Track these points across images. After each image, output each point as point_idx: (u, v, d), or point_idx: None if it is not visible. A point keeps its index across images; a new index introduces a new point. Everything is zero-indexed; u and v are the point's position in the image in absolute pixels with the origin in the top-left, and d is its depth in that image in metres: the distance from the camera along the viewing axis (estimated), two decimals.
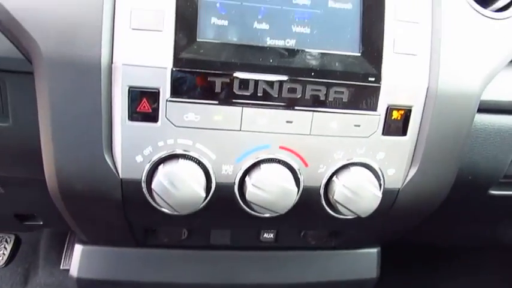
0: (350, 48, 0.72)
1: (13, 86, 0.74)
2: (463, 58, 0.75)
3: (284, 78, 0.70)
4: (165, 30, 0.66)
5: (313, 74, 0.71)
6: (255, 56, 0.69)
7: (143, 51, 0.66)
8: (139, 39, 0.65)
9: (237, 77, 0.69)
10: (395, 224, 0.95)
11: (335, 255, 1.09)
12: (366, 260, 1.12)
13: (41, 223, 1.17)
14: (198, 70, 0.67)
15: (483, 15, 0.77)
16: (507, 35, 0.79)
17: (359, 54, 0.72)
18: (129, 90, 0.67)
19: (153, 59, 0.66)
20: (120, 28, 0.65)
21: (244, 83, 0.69)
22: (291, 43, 0.71)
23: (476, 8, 0.77)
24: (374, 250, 1.11)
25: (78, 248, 0.99)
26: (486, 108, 0.85)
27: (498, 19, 0.78)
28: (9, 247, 1.62)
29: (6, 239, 1.64)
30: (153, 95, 0.67)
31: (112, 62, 0.66)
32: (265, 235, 1.00)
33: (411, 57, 0.73)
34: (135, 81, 0.66)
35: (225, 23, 0.69)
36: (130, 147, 0.70)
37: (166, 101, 0.68)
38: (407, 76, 0.73)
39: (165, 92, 0.67)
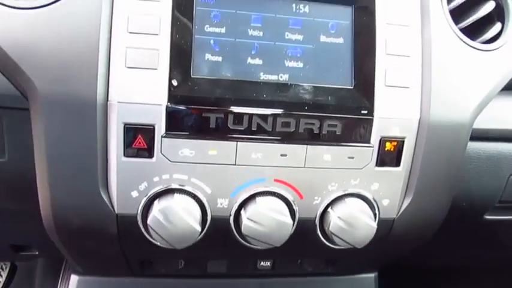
0: (342, 81, 0.74)
1: (9, 122, 0.75)
2: (454, 89, 0.77)
3: (278, 112, 0.71)
4: (160, 68, 0.67)
5: (306, 108, 0.72)
6: (249, 91, 0.70)
7: (138, 89, 0.67)
8: (134, 77, 0.66)
9: (231, 112, 0.69)
10: (391, 251, 0.95)
11: (332, 281, 1.08)
12: (364, 285, 1.11)
13: (37, 253, 1.17)
14: (192, 106, 0.68)
15: (472, 47, 0.79)
16: (496, 66, 0.80)
17: (351, 88, 0.73)
18: (124, 127, 0.67)
19: (148, 97, 0.67)
20: (115, 67, 0.66)
21: (238, 118, 0.70)
22: (284, 78, 0.72)
23: (465, 40, 0.79)
24: (371, 275, 1.11)
25: (74, 279, 0.99)
26: (478, 136, 0.87)
27: (487, 50, 0.80)
28: (4, 274, 1.60)
29: (1, 266, 1.63)
30: (148, 131, 0.68)
31: (108, 100, 0.67)
32: (262, 263, 0.99)
33: (403, 90, 0.74)
34: (130, 118, 0.67)
35: (219, 59, 0.70)
36: (125, 182, 0.70)
37: (162, 137, 0.68)
38: (399, 108, 0.74)
39: (160, 128, 0.68)
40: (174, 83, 0.68)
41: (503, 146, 0.90)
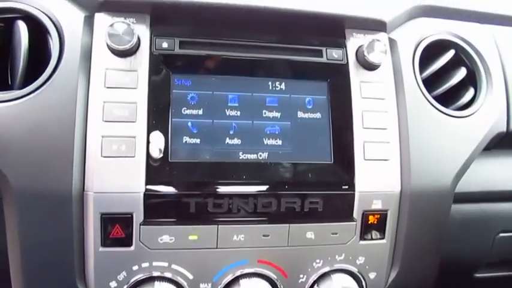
0: (322, 157, 0.73)
1: None
2: (433, 159, 0.77)
3: (258, 192, 0.70)
4: (137, 155, 0.66)
5: (287, 186, 0.71)
6: (229, 172, 0.70)
7: (115, 178, 0.65)
8: (110, 166, 0.65)
9: (211, 196, 0.68)
10: None
11: None
12: None
13: None
14: (171, 192, 0.67)
15: (447, 114, 0.80)
16: (473, 131, 0.81)
17: (331, 163, 0.73)
18: (101, 217, 0.66)
19: (125, 185, 0.66)
20: (91, 156, 0.65)
21: (218, 201, 0.69)
22: (263, 156, 0.72)
23: (439, 108, 0.80)
24: None
25: None
26: (461, 198, 0.86)
27: (462, 117, 0.81)
28: None
29: None
30: (126, 220, 0.66)
31: (84, 190, 0.65)
32: None
33: (382, 163, 0.75)
34: (107, 207, 0.66)
35: (197, 141, 0.70)
36: (103, 273, 0.68)
37: (140, 224, 0.67)
38: (380, 181, 0.74)
39: (139, 216, 0.66)
40: (152, 169, 0.67)
41: (487, 207, 0.91)
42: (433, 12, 0.87)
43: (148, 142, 0.67)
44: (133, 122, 0.67)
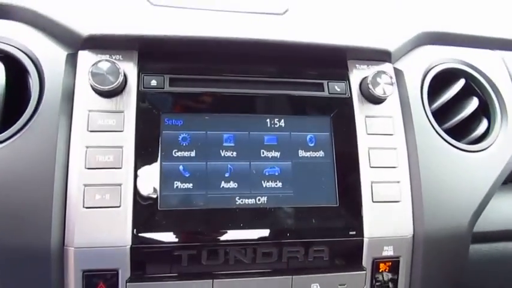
0: (326, 200, 0.67)
1: None
2: (447, 199, 0.71)
3: (257, 242, 0.64)
4: (123, 204, 0.60)
5: (288, 234, 0.65)
6: (224, 220, 0.64)
7: (98, 231, 0.59)
8: (93, 217, 0.59)
9: (205, 247, 0.62)
10: None
11: None
12: None
13: None
14: (161, 245, 0.61)
15: (460, 149, 0.74)
16: (488, 166, 0.75)
17: (336, 206, 0.67)
18: (83, 274, 0.59)
19: (109, 239, 0.59)
20: (72, 208, 0.59)
21: (213, 253, 0.62)
22: (262, 200, 0.66)
23: (451, 142, 0.74)
24: None
25: None
26: (480, 238, 0.80)
27: (476, 151, 0.75)
28: None
29: None
30: (111, 277, 0.60)
31: (64, 245, 0.59)
32: None
33: (392, 205, 0.68)
34: (89, 264, 0.59)
35: (190, 186, 0.64)
36: None
37: (126, 282, 0.60)
38: (390, 225, 0.68)
39: (125, 273, 0.60)
40: (139, 219, 0.61)
41: (506, 246, 0.84)
42: (439, 39, 0.82)
43: (135, 190, 0.61)
44: (119, 168, 0.61)
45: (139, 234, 0.60)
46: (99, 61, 0.61)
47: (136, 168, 0.62)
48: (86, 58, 0.65)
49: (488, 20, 0.90)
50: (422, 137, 0.72)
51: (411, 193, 0.70)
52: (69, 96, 0.63)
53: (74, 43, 0.65)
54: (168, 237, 0.61)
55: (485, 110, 0.80)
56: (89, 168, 0.60)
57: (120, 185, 0.61)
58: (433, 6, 0.92)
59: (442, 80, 0.79)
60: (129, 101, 0.64)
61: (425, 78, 0.77)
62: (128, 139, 0.62)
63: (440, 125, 0.75)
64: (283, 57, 0.72)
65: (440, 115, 0.76)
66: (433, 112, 0.75)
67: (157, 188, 0.62)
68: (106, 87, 0.61)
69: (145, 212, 0.61)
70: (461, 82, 0.79)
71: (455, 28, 0.84)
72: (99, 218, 0.59)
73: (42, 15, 0.65)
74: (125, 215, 0.60)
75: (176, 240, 0.62)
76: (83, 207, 0.59)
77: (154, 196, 0.62)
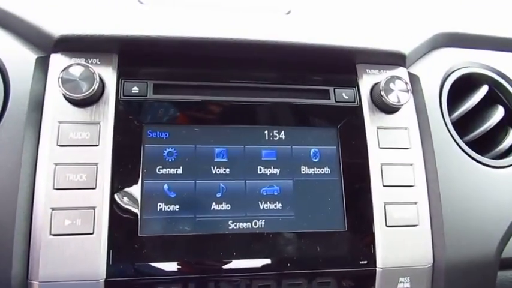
0: (333, 224, 0.59)
1: None
2: (472, 221, 0.62)
3: (253, 274, 0.55)
4: (97, 231, 0.52)
5: (289, 264, 0.56)
6: (215, 248, 0.55)
7: (67, 263, 0.51)
8: (61, 246, 0.51)
9: (193, 280, 0.54)
10: None
11: None
12: None
13: None
14: (141, 277, 0.53)
15: (485, 164, 0.65)
16: None
17: (344, 231, 0.59)
18: None
19: (80, 272, 0.51)
20: (37, 235, 0.51)
21: (202, 286, 0.54)
22: (259, 225, 0.57)
23: (475, 157, 0.65)
24: None
25: None
26: (509, 264, 0.70)
27: (504, 166, 0.66)
28: None
29: None
30: None
31: (27, 279, 0.51)
32: None
33: (408, 230, 0.60)
34: None
35: (175, 208, 0.56)
36: None
37: None
38: (406, 253, 0.59)
39: None
40: (116, 248, 0.53)
41: None
42: (459, 40, 0.74)
43: (111, 213, 0.53)
44: (93, 188, 0.53)
45: (116, 266, 0.52)
46: (70, 65, 0.53)
47: (113, 189, 0.54)
48: (59, 62, 0.57)
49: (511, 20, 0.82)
50: (442, 151, 0.63)
51: (430, 216, 0.61)
52: (37, 105, 0.55)
53: (45, 45, 0.57)
54: (149, 268, 0.53)
55: (511, 120, 0.72)
56: (57, 189, 0.52)
57: (93, 208, 0.53)
58: (450, 6, 0.84)
59: (462, 86, 0.71)
60: (107, 110, 0.56)
61: (445, 85, 0.68)
62: (104, 155, 0.54)
63: (461, 137, 0.67)
64: (284, 61, 0.64)
65: (462, 126, 0.68)
66: (453, 122, 0.67)
67: (138, 211, 0.54)
68: (78, 95, 0.53)
69: (123, 239, 0.53)
70: (484, 89, 0.70)
71: (476, 29, 0.75)
72: (69, 246, 0.51)
73: (8, 13, 0.57)
74: (98, 243, 0.52)
75: (159, 272, 0.53)
76: (50, 234, 0.51)
77: (134, 220, 0.54)
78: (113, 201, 0.53)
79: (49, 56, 0.58)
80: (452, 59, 0.72)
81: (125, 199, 0.54)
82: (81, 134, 0.54)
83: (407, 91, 0.62)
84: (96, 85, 0.53)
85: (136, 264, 0.53)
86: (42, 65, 0.57)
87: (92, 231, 0.52)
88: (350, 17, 0.74)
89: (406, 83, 0.62)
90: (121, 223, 0.53)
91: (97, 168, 0.54)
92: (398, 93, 0.62)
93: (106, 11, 0.62)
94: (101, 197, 0.53)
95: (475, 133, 0.67)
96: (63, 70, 0.53)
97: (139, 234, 0.54)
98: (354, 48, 0.64)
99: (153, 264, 0.53)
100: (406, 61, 0.67)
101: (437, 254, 0.60)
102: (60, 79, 0.53)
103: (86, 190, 0.53)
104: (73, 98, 0.54)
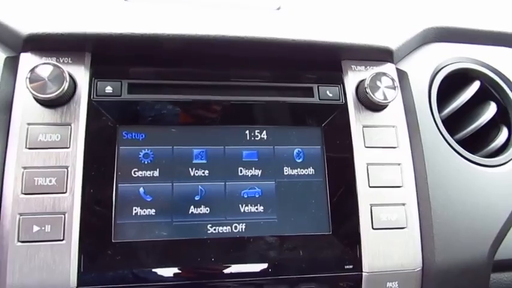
0: (317, 227, 0.56)
1: None
2: (463, 223, 0.59)
3: (233, 280, 0.53)
4: (67, 237, 0.50)
5: (271, 270, 0.54)
6: (193, 254, 0.53)
7: (35, 271, 0.48)
8: (29, 254, 0.49)
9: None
10: None
11: None
12: None
13: None
14: (114, 286, 0.50)
15: (477, 163, 0.63)
16: (509, 184, 0.64)
17: (329, 234, 0.56)
18: None
19: (50, 280, 0.48)
20: (3, 242, 0.49)
21: None
22: (239, 229, 0.55)
23: (467, 156, 0.63)
24: None
25: None
26: (502, 266, 0.68)
27: (496, 165, 0.64)
28: None
29: None
30: None
31: None
32: None
33: (396, 232, 0.57)
34: None
35: (152, 212, 0.54)
36: None
37: None
38: (394, 257, 0.56)
39: None
40: (88, 255, 0.50)
41: None
42: (449, 35, 0.71)
43: (83, 219, 0.51)
44: (63, 193, 0.51)
45: (88, 274, 0.50)
46: (38, 65, 0.51)
47: (84, 193, 0.51)
48: (28, 62, 0.54)
49: (504, 13, 0.79)
50: (431, 150, 0.61)
51: (419, 218, 0.59)
52: (6, 107, 0.53)
53: (14, 44, 0.55)
54: (123, 276, 0.51)
55: (504, 117, 0.69)
56: (26, 194, 0.50)
57: (64, 213, 0.50)
58: (440, 0, 0.81)
59: (453, 82, 0.68)
60: (78, 111, 0.53)
61: (434, 81, 0.66)
62: (75, 158, 0.52)
63: (452, 135, 0.64)
64: (268, 59, 0.61)
65: (452, 124, 0.65)
66: (443, 120, 0.64)
67: (112, 216, 0.52)
68: (47, 96, 0.51)
69: (96, 246, 0.51)
70: (475, 85, 0.67)
71: (467, 23, 0.73)
72: (38, 254, 0.49)
73: None
74: (69, 250, 0.49)
75: (134, 279, 0.51)
76: (18, 241, 0.49)
77: (107, 226, 0.51)
78: (84, 206, 0.51)
79: (19, 56, 0.55)
80: (443, 54, 0.69)
81: (98, 204, 0.52)
82: (51, 136, 0.52)
83: (394, 88, 0.59)
84: (66, 85, 0.51)
85: (109, 271, 0.50)
86: (12, 65, 0.55)
87: (62, 238, 0.50)
88: (340, 13, 0.72)
89: (393, 80, 0.60)
90: (93, 229, 0.51)
91: (68, 171, 0.51)
92: (385, 90, 0.59)
93: (82, 8, 0.60)
94: (71, 202, 0.50)
95: (466, 131, 0.65)
96: (31, 70, 0.51)
97: (113, 240, 0.51)
98: (338, 43, 0.61)
99: (127, 271, 0.51)
100: (394, 57, 0.64)
101: (426, 257, 0.57)
102: (28, 79, 0.51)
103: (56, 195, 0.50)
104: (42, 99, 0.51)
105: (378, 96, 0.59)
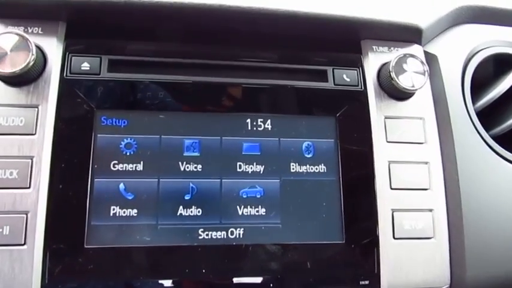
0: (328, 234, 0.48)
1: None
2: (497, 234, 0.51)
3: None
4: (29, 242, 0.42)
5: (272, 284, 0.46)
6: (181, 263, 0.45)
7: None
8: None
9: None
10: None
11: None
12: None
13: None
14: None
15: None
16: None
17: (342, 243, 0.48)
18: None
19: None
20: None
21: None
22: (236, 234, 0.47)
23: (503, 153, 0.54)
24: None
25: None
26: None
27: None
28: None
29: None
30: None
31: None
32: None
33: (421, 243, 0.49)
34: None
35: (133, 212, 0.46)
36: None
37: None
38: (418, 271, 0.48)
39: None
40: (54, 263, 0.42)
41: None
42: (484, 16, 0.62)
43: (49, 219, 0.43)
44: (26, 188, 0.43)
45: (53, 285, 0.42)
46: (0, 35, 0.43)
47: (52, 189, 0.43)
48: None
49: None
50: (463, 148, 0.52)
51: (448, 226, 0.51)
52: None
53: None
54: None
55: None
56: None
57: (26, 212, 0.42)
58: None
59: (488, 69, 0.59)
60: (48, 91, 0.45)
61: (468, 67, 0.57)
62: (42, 146, 0.44)
63: (487, 130, 0.56)
64: (272, 35, 0.52)
65: (488, 117, 0.56)
66: (477, 113, 0.56)
67: (85, 217, 0.44)
68: (9, 71, 0.42)
69: (64, 252, 0.43)
70: None
71: (505, 2, 0.64)
72: None
73: None
74: (31, 256, 0.42)
75: None
76: None
77: (79, 228, 0.43)
78: (51, 204, 0.43)
79: None
80: (478, 37, 0.60)
81: (68, 201, 0.43)
82: (14, 120, 0.44)
83: (424, 73, 0.51)
84: (31, 58, 0.43)
85: (79, 282, 0.43)
86: None
87: (23, 242, 0.42)
88: None
89: (423, 63, 0.51)
90: (62, 232, 0.43)
91: (32, 162, 0.43)
92: (412, 76, 0.50)
93: None
94: (35, 199, 0.42)
95: (504, 125, 0.56)
96: None
97: (85, 246, 0.43)
98: (358, 19, 0.52)
99: (101, 283, 0.43)
100: (422, 38, 0.56)
101: (455, 273, 0.49)
102: None
103: (17, 190, 0.42)
104: (3, 75, 0.43)
105: (404, 82, 0.50)
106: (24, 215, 0.42)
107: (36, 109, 0.44)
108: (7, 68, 0.42)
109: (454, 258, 0.50)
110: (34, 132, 0.44)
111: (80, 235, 0.43)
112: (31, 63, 0.43)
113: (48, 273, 0.42)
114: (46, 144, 0.44)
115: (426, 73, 0.51)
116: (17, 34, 0.43)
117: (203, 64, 0.50)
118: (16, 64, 0.43)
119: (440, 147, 0.52)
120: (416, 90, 0.51)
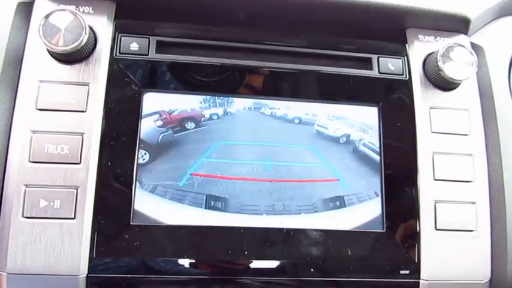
0: (368, 223, 0.48)
1: None
2: None
3: (267, 278, 0.45)
4: (79, 216, 0.43)
5: (313, 269, 0.46)
6: (224, 243, 0.45)
7: (40, 252, 0.41)
8: (34, 232, 0.42)
9: (194, 283, 0.44)
10: None
11: None
12: None
13: None
14: (131, 276, 0.43)
15: None
16: None
17: (383, 232, 0.48)
18: None
19: (56, 264, 0.42)
20: (6, 217, 0.42)
21: None
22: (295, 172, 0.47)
23: None
24: None
25: None
26: None
27: None
28: None
29: None
30: None
31: None
32: None
33: (463, 235, 0.48)
34: None
35: (180, 193, 0.46)
36: None
37: None
38: (459, 264, 0.48)
39: None
40: (102, 238, 0.43)
41: None
42: None
43: (98, 195, 0.43)
44: (77, 163, 0.43)
45: (100, 259, 0.43)
46: (54, 11, 0.43)
47: (101, 165, 0.44)
48: (44, 9, 0.47)
49: None
50: (509, 140, 0.51)
51: (491, 220, 0.50)
52: (16, 60, 0.45)
53: None
54: (141, 265, 0.44)
55: None
56: (33, 162, 0.43)
57: (76, 187, 0.43)
58: None
59: None
60: (98, 70, 0.46)
61: None
62: (92, 123, 0.44)
63: None
64: (318, 22, 0.52)
65: None
66: None
67: (131, 194, 0.45)
68: (63, 49, 0.43)
69: (111, 228, 0.43)
70: None
71: None
72: (44, 233, 0.42)
73: None
74: (80, 230, 0.42)
75: (154, 269, 0.44)
76: (22, 216, 0.42)
77: (126, 206, 0.44)
78: (100, 180, 0.44)
79: (33, 2, 0.48)
80: None
81: (116, 179, 0.44)
82: (66, 97, 0.44)
83: (472, 63, 0.50)
84: (84, 37, 0.43)
85: (125, 259, 0.43)
86: (24, 11, 0.47)
87: (73, 216, 0.43)
88: None
89: (471, 53, 0.50)
90: (110, 208, 0.44)
91: (83, 139, 0.44)
92: (460, 66, 0.49)
93: None
94: (85, 175, 0.43)
95: None
96: (45, 17, 0.43)
97: (131, 223, 0.44)
98: (404, 7, 0.51)
99: (146, 260, 0.44)
100: (469, 28, 0.55)
101: (496, 268, 0.49)
102: (41, 28, 0.43)
103: (68, 165, 0.43)
104: (57, 52, 0.44)
105: (451, 72, 0.49)
106: (75, 190, 0.43)
107: (87, 87, 0.45)
108: (60, 45, 0.43)
109: (496, 252, 0.49)
110: (85, 110, 0.45)
111: (127, 212, 0.44)
112: (84, 42, 0.44)
113: (96, 247, 0.43)
114: (96, 122, 0.45)
115: (475, 64, 0.50)
116: (72, 13, 0.44)
117: (250, 48, 0.50)
118: (69, 42, 0.43)
119: (485, 140, 0.51)
120: (463, 80, 0.50)
